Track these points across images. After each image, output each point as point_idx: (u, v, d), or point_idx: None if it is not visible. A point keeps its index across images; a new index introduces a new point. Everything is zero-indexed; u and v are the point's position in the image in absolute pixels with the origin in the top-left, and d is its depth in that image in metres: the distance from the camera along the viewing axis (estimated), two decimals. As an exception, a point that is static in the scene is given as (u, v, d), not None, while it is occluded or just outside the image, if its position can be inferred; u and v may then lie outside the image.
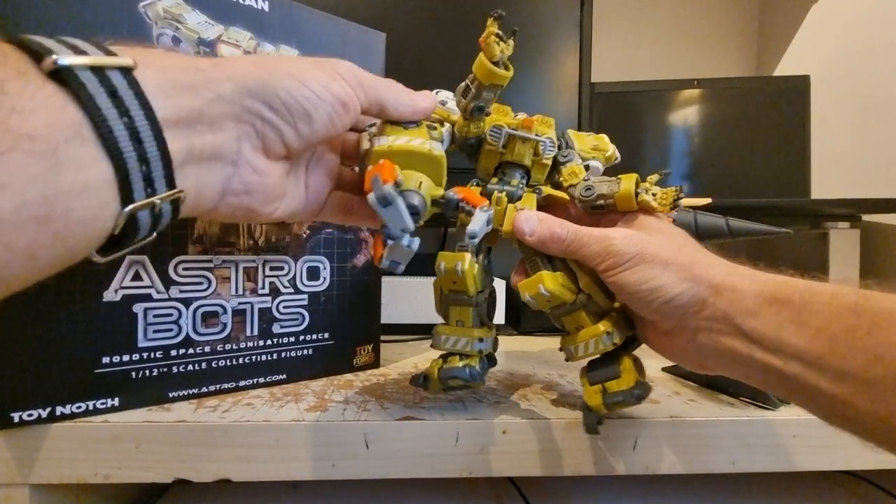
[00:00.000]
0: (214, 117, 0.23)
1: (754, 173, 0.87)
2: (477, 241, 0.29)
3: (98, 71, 0.19)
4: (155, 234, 0.23)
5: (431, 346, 0.35)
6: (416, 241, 0.25)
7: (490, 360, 0.37)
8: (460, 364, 0.34)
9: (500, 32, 0.31)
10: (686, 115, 0.89)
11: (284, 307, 0.41)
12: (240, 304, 0.39)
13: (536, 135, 0.35)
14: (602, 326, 0.32)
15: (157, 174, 0.21)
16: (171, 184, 0.22)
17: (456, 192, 0.31)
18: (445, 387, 0.34)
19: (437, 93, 0.36)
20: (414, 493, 0.47)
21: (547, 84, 0.73)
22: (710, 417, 0.36)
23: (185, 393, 0.37)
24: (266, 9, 0.39)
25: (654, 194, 0.32)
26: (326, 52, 0.42)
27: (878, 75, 0.78)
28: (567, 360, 0.34)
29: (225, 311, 0.39)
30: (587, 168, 0.37)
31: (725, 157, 0.88)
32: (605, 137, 0.40)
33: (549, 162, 0.36)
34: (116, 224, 0.20)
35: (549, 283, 0.32)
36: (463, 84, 0.34)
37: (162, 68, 0.22)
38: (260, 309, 0.40)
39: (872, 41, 0.79)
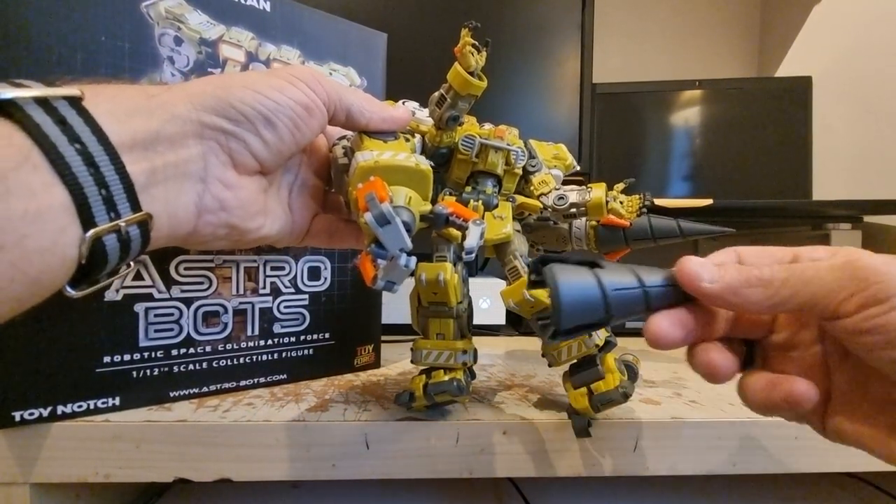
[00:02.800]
0: (174, 136, 0.23)
1: (756, 174, 0.87)
2: (474, 255, 0.29)
3: (43, 102, 0.20)
4: (130, 263, 0.23)
5: (412, 361, 0.34)
6: (414, 260, 0.24)
7: (471, 372, 0.36)
8: (446, 378, 0.33)
9: (476, 42, 0.31)
10: (687, 115, 0.89)
11: (285, 307, 0.41)
12: (241, 303, 0.39)
13: (508, 144, 0.35)
14: None
15: (118, 197, 0.21)
16: (135, 206, 0.21)
17: (445, 206, 0.29)
18: (432, 402, 0.33)
19: (403, 103, 0.36)
20: (414, 493, 0.47)
21: (548, 85, 0.73)
22: (711, 419, 0.36)
23: (186, 392, 0.37)
24: (268, 9, 0.39)
25: (621, 202, 0.35)
26: (328, 53, 0.42)
27: (881, 76, 0.78)
28: (550, 365, 0.35)
29: (226, 311, 0.39)
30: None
31: (727, 158, 0.87)
32: (563, 147, 0.41)
33: (520, 171, 0.37)
34: (81, 252, 0.20)
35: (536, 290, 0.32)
36: (437, 94, 0.34)
37: (111, 97, 0.22)
38: (261, 309, 0.40)
39: (875, 42, 0.79)
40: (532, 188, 0.37)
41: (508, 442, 0.35)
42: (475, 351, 0.35)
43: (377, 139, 0.29)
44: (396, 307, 0.62)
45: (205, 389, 0.38)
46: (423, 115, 0.36)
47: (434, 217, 0.29)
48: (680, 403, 0.39)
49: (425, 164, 0.29)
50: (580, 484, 0.49)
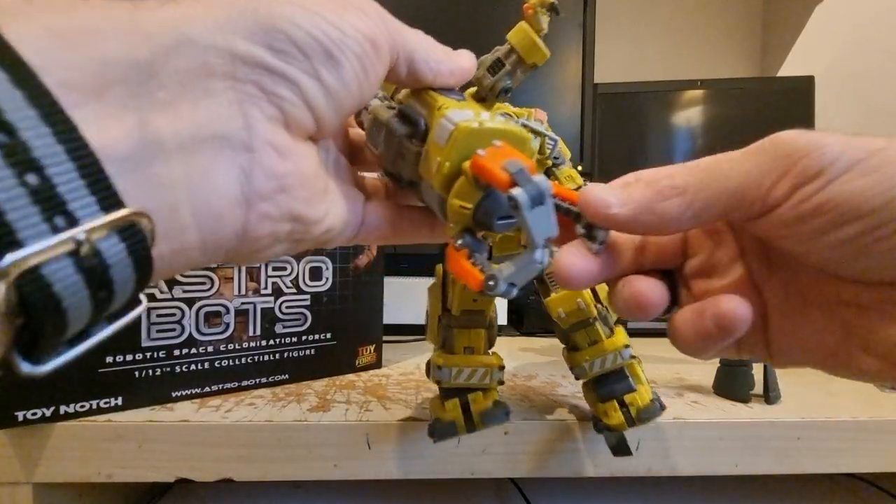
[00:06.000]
0: (186, 74, 0.14)
1: (758, 174, 0.86)
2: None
3: None
4: (139, 298, 0.15)
5: (436, 380, 0.31)
6: (548, 254, 0.18)
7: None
8: (490, 403, 0.30)
9: (554, 3, 0.26)
10: (690, 115, 0.89)
11: (287, 307, 0.42)
12: (242, 304, 0.39)
13: (546, 129, 0.32)
14: (621, 339, 0.30)
15: (67, 186, 0.12)
16: (108, 200, 0.12)
17: (549, 183, 0.20)
18: (473, 431, 0.31)
19: None
20: (415, 493, 0.47)
21: (550, 84, 0.73)
22: (713, 419, 0.36)
23: (188, 392, 0.37)
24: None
25: None
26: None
27: (883, 76, 0.78)
28: (578, 378, 0.32)
29: (228, 311, 0.39)
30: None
31: (729, 158, 0.87)
32: (560, 141, 0.38)
33: (550, 163, 0.34)
34: None
35: (585, 295, 0.29)
36: (492, 57, 0.28)
37: (58, 8, 0.13)
38: (262, 309, 0.40)
39: (877, 42, 0.79)
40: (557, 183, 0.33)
41: (510, 442, 0.34)
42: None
43: (448, 97, 0.22)
44: (398, 308, 0.62)
45: (207, 389, 0.38)
46: None
47: None
48: (681, 404, 0.39)
49: (525, 130, 0.22)
50: (582, 484, 0.49)
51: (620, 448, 0.32)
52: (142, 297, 0.15)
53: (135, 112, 0.13)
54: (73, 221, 0.12)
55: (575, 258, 0.19)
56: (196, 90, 0.15)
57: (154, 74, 0.14)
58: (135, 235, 0.13)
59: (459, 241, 0.19)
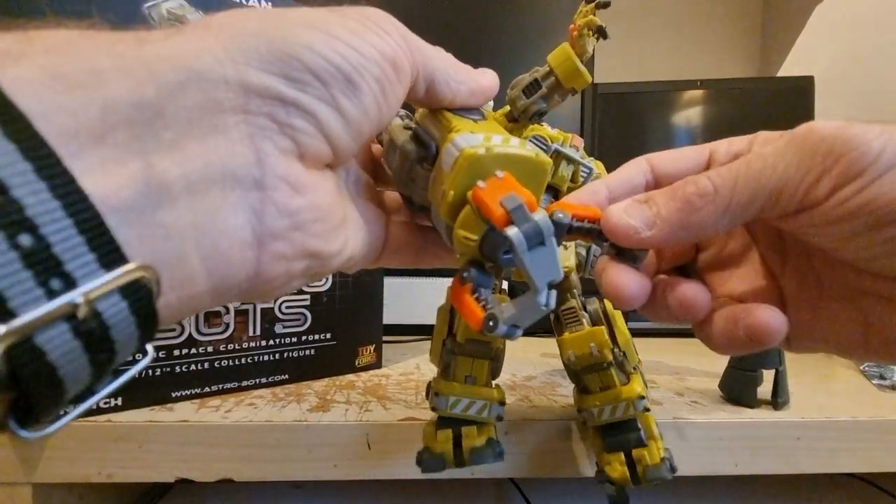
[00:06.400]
0: (193, 111, 0.14)
1: (758, 174, 0.86)
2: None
3: None
4: (127, 374, 0.14)
5: (432, 407, 0.30)
6: (555, 297, 0.16)
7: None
8: (482, 441, 0.28)
9: (602, 27, 0.25)
10: (689, 115, 0.89)
11: (287, 307, 0.42)
12: (242, 304, 0.39)
13: (582, 157, 0.30)
14: (637, 388, 0.29)
15: (64, 244, 0.11)
16: (110, 257, 0.11)
17: (562, 211, 0.19)
18: (462, 467, 0.29)
19: None
20: (416, 493, 0.47)
21: (550, 85, 0.73)
22: (714, 419, 0.36)
23: (188, 393, 0.37)
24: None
25: None
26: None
27: (883, 76, 0.78)
28: (585, 423, 0.31)
29: (227, 311, 0.39)
30: None
31: (729, 158, 0.87)
32: None
33: None
34: None
35: (600, 339, 0.28)
36: (528, 77, 0.27)
37: (54, 46, 0.12)
38: (262, 309, 0.40)
39: (877, 42, 0.79)
40: None
41: (510, 442, 0.34)
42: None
43: (464, 118, 0.20)
44: (398, 308, 0.62)
45: (207, 390, 0.38)
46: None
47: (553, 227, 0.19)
48: (682, 404, 0.39)
49: (544, 155, 0.20)
50: (582, 484, 0.49)
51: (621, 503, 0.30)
52: (148, 347, 0.14)
53: (139, 156, 0.13)
54: (70, 283, 0.11)
55: (627, 277, 0.18)
56: (204, 127, 0.14)
57: (160, 114, 0.13)
58: (138, 291, 0.12)
59: (465, 274, 0.17)
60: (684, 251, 0.21)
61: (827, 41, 0.90)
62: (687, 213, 0.17)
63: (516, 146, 0.19)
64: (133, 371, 0.14)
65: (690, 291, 0.18)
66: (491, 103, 0.23)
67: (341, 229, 0.18)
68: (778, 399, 0.38)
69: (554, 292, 0.16)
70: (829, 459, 0.36)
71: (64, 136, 0.11)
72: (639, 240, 0.17)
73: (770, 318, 0.17)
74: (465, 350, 0.28)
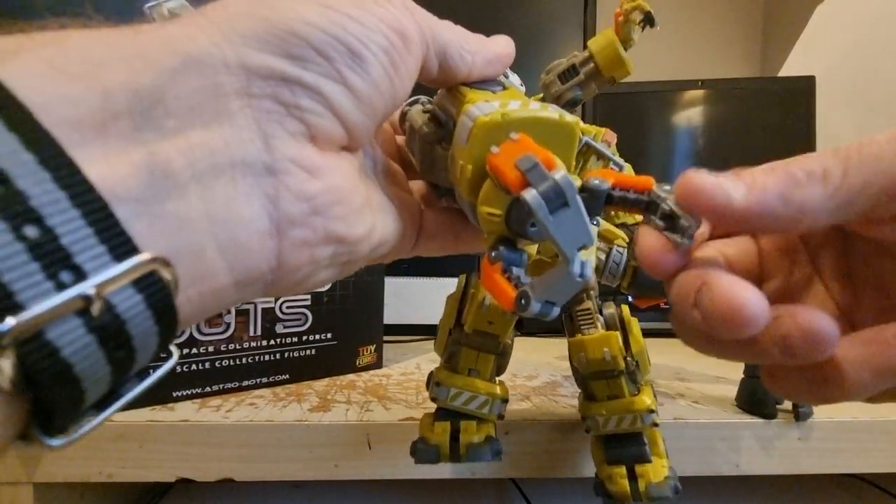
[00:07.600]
0: (193, 97, 0.13)
1: (759, 174, 0.86)
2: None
3: None
4: (152, 376, 0.14)
5: (432, 398, 0.28)
6: (591, 265, 0.14)
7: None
8: (481, 438, 0.27)
9: (650, 12, 0.23)
10: (690, 115, 0.89)
11: (287, 307, 0.42)
12: (243, 303, 0.39)
13: (613, 154, 0.28)
14: (647, 401, 0.27)
15: (72, 235, 0.10)
16: (122, 247, 0.11)
17: (603, 179, 0.17)
18: (458, 462, 0.28)
19: (417, 100, 0.25)
20: (416, 493, 0.47)
21: (550, 85, 0.73)
22: (714, 420, 0.36)
23: (189, 392, 0.37)
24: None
25: None
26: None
27: (884, 76, 0.78)
28: (588, 431, 0.30)
29: (228, 311, 0.39)
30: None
31: (730, 159, 0.87)
32: None
33: None
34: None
35: (614, 345, 0.27)
36: (565, 63, 0.25)
37: (53, 40, 0.12)
38: (263, 309, 0.40)
39: (878, 42, 0.79)
40: (613, 213, 0.29)
41: (510, 442, 0.34)
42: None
43: (482, 90, 0.19)
44: (399, 308, 0.62)
45: (207, 389, 0.38)
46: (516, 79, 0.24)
47: (589, 193, 0.17)
48: (682, 404, 0.39)
49: (570, 116, 0.18)
50: (582, 485, 0.49)
51: None
52: (172, 348, 0.14)
53: (142, 146, 0.12)
54: (81, 275, 0.10)
55: (656, 240, 0.16)
56: (208, 113, 0.13)
57: (160, 101, 0.12)
58: (154, 285, 0.11)
59: (493, 254, 0.16)
60: (744, 273, 0.17)
61: (828, 41, 0.90)
62: (789, 186, 0.14)
63: (536, 109, 0.17)
64: (160, 372, 0.13)
65: (746, 290, 0.14)
66: (524, 88, 0.21)
67: (365, 212, 0.17)
68: (800, 409, 0.36)
69: (589, 260, 0.14)
70: (831, 460, 0.36)
71: (66, 126, 0.11)
72: (726, 205, 0.14)
73: (825, 324, 0.14)
74: (471, 342, 0.27)
